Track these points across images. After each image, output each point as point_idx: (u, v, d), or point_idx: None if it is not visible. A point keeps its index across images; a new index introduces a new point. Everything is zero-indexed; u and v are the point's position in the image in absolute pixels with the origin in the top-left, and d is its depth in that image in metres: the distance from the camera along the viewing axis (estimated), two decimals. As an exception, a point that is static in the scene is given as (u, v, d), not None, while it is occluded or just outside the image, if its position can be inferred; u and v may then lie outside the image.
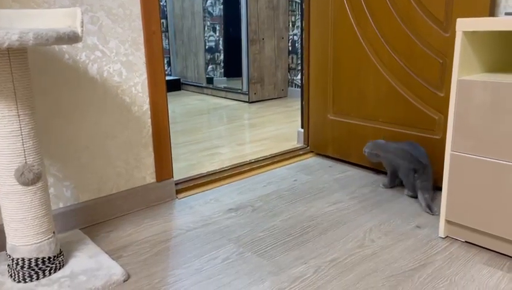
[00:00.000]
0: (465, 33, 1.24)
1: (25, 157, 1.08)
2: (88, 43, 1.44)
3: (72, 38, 1.03)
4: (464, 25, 1.22)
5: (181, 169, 2.11)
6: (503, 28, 1.15)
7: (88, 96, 1.47)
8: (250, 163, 2.16)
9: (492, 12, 1.53)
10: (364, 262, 1.27)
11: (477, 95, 1.23)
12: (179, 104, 3.97)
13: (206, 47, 4.39)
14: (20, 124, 1.06)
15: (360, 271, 1.23)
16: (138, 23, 1.55)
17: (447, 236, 1.41)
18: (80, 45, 1.42)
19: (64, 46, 1.39)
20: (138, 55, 1.57)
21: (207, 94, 4.49)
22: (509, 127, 1.18)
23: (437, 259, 1.28)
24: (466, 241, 1.37)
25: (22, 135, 1.06)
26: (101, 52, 1.48)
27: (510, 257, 1.28)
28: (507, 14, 1.31)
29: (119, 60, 1.52)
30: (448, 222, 1.39)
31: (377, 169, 2.02)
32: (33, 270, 1.15)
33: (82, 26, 1.07)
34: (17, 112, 1.05)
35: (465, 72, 1.29)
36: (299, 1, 3.90)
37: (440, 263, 1.26)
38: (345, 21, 1.99)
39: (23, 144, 1.07)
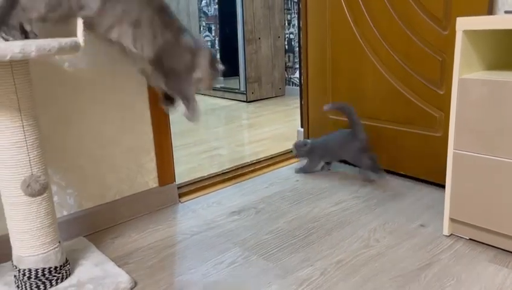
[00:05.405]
0: (466, 32, 1.25)
1: (31, 168, 1.07)
2: (88, 50, 1.43)
3: (74, 47, 1.03)
4: (464, 24, 1.23)
5: (182, 172, 2.11)
6: (503, 27, 1.15)
7: (89, 102, 1.47)
8: (251, 164, 2.16)
9: (490, 10, 1.53)
10: (370, 263, 1.28)
11: (478, 94, 1.23)
12: (176, 106, 3.96)
13: (202, 47, 4.37)
14: (24, 135, 1.05)
15: (366, 272, 1.23)
16: (137, 29, 1.54)
17: (451, 234, 1.41)
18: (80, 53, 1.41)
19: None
20: (138, 61, 1.56)
21: (204, 94, 4.48)
22: (511, 124, 1.19)
23: (442, 257, 1.29)
24: (470, 239, 1.38)
25: (26, 145, 1.06)
26: (101, 59, 1.47)
27: (514, 253, 1.29)
28: (507, 12, 1.32)
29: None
30: (452, 219, 1.40)
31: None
32: (40, 280, 1.14)
33: (83, 36, 1.07)
34: (21, 123, 1.04)
35: (465, 70, 1.29)
36: (295, 0, 3.90)
37: (446, 261, 1.27)
38: (343, 20, 1.99)
39: (28, 155, 1.06)
